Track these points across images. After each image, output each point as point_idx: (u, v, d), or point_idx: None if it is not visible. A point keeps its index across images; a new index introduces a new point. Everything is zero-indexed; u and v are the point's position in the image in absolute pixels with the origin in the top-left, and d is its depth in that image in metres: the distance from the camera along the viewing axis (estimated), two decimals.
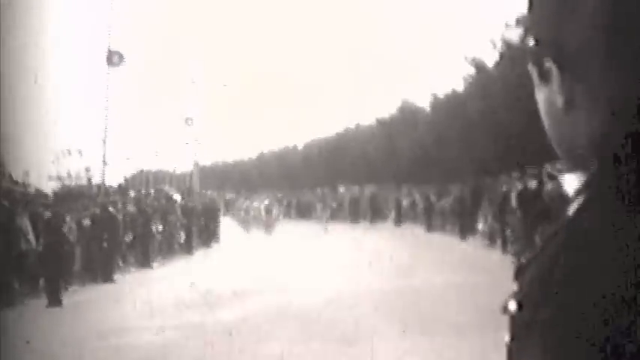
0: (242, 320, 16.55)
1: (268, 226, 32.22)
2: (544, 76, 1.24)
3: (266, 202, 33.04)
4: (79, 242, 22.47)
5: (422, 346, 13.09)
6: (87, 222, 23.12)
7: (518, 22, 29.48)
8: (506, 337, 1.21)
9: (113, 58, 30.76)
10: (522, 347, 1.15)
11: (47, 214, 20.82)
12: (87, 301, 19.88)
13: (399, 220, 34.51)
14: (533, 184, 21.93)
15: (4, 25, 25.53)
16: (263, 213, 31.55)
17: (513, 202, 23.52)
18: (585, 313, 1.05)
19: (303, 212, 40.24)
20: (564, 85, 1.21)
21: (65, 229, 22.08)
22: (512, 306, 1.17)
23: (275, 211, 34.04)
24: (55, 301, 19.49)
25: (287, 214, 40.34)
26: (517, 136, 27.17)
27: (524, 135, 25.40)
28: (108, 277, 22.70)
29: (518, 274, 1.24)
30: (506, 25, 30.94)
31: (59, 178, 31.70)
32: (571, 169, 1.25)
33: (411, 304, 17.09)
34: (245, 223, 30.82)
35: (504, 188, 25.34)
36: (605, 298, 1.05)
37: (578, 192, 1.18)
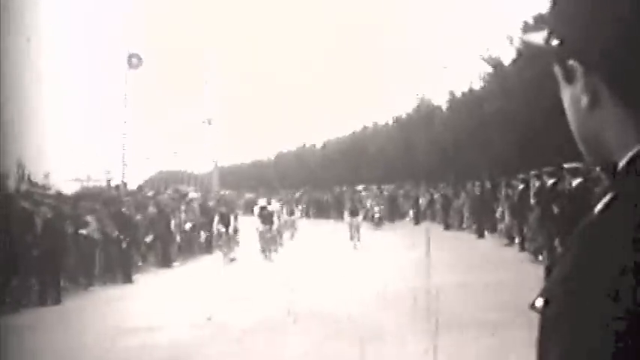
0: (265, 318, 16.65)
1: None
2: (569, 76, 1.29)
3: (279, 202, 32.73)
4: (99, 243, 22.63)
5: (442, 345, 13.13)
6: (106, 222, 23.26)
7: (537, 20, 29.46)
8: (536, 333, 1.27)
9: (132, 60, 30.96)
10: (551, 342, 1.22)
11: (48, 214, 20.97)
12: (106, 300, 20.02)
13: (417, 219, 34.52)
14: (551, 181, 21.91)
15: (16, 28, 25.76)
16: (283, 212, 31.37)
17: (531, 199, 23.49)
18: (608, 308, 1.11)
19: (322, 211, 40.29)
20: (589, 84, 1.27)
21: (87, 230, 22.30)
22: (540, 302, 1.24)
23: (295, 211, 33.89)
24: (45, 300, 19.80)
25: (306, 214, 40.38)
26: (535, 134, 27.15)
27: (541, 133, 25.39)
28: (127, 278, 22.83)
29: (548, 271, 1.32)
30: (525, 24, 30.94)
31: (78, 179, 31.93)
32: (596, 167, 1.31)
33: (431, 303, 17.10)
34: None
35: (522, 186, 25.32)
36: (629, 294, 1.10)
37: (605, 190, 1.24)
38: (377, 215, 36.04)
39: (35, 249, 19.92)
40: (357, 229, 30.53)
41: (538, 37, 1.41)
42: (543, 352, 1.24)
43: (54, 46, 29.73)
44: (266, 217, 27.83)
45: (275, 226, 28.57)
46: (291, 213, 33.75)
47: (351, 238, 30.13)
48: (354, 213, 31.42)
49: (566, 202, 17.29)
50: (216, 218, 27.77)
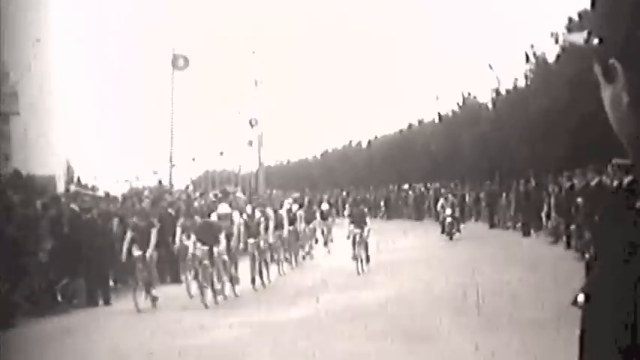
0: (310, 318, 16.74)
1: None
2: (609, 75, 1.32)
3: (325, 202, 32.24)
4: None
5: (489, 343, 13.14)
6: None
7: (581, 16, 29.26)
8: (577, 330, 1.31)
9: (178, 61, 31.16)
10: (592, 339, 1.26)
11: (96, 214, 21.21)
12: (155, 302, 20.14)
13: (462, 217, 34.42)
14: (597, 179, 21.74)
15: (64, 26, 26.06)
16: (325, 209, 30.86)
17: (578, 197, 23.35)
18: None
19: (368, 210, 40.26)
20: (630, 83, 1.28)
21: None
22: (581, 298, 1.28)
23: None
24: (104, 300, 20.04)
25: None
26: (580, 131, 27.00)
27: (587, 130, 25.24)
28: (176, 278, 22.95)
29: (588, 268, 1.35)
30: (569, 20, 30.76)
31: (127, 180, 32.23)
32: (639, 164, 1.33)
33: (477, 301, 17.10)
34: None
35: (568, 184, 25.17)
36: None
37: None
38: (448, 220, 30.87)
39: (84, 249, 20.16)
40: (363, 246, 24.10)
41: (578, 38, 1.43)
42: (584, 347, 1.29)
43: (102, 47, 30.04)
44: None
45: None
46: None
47: (354, 257, 23.95)
48: (357, 221, 24.59)
49: (612, 200, 17.18)
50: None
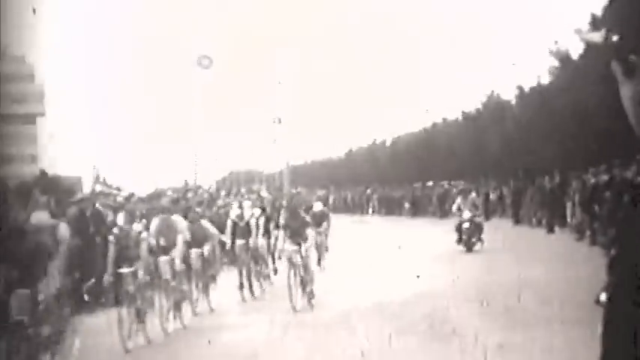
0: (336, 315, 16.83)
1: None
2: (628, 71, 1.37)
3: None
4: None
5: (514, 340, 13.21)
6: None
7: (605, 12, 29.17)
8: (599, 328, 1.34)
9: (203, 61, 31.30)
10: (614, 337, 1.28)
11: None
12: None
13: (487, 214, 34.32)
14: (622, 175, 21.71)
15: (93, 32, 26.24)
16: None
17: (602, 194, 23.32)
18: None
19: (392, 208, 40.28)
20: None
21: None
22: (604, 297, 1.33)
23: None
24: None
25: (377, 211, 40.40)
26: (605, 128, 26.93)
27: (611, 127, 25.19)
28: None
29: (611, 266, 1.37)
30: (592, 16, 30.67)
31: (152, 180, 32.38)
32: None
33: (502, 298, 17.13)
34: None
35: (593, 180, 25.14)
36: None
37: None
38: (466, 226, 26.55)
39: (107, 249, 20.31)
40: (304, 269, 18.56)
41: (596, 36, 1.48)
42: (607, 345, 1.32)
43: (128, 47, 30.21)
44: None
45: None
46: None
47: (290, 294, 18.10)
48: (294, 234, 18.80)
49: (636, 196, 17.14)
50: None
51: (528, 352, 12.58)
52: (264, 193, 31.43)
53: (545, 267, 20.85)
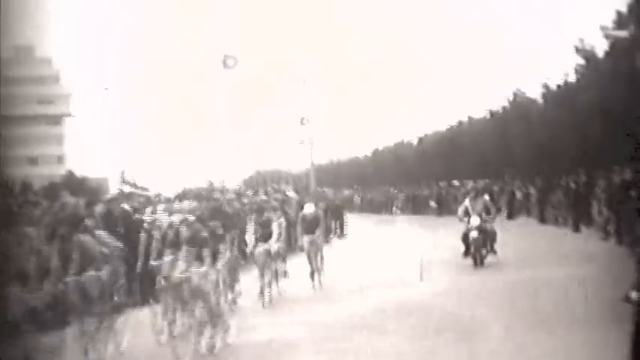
0: (358, 315, 16.89)
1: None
2: None
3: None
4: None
5: (539, 339, 13.23)
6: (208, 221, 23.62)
7: (631, 9, 29.10)
8: (630, 325, 1.45)
9: (228, 61, 31.39)
10: None
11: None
12: None
13: (512, 213, 34.20)
14: None
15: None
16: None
17: (630, 192, 23.24)
18: None
19: (418, 207, 40.25)
20: None
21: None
22: (634, 295, 1.43)
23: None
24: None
25: (403, 210, 40.39)
26: (629, 127, 26.83)
27: (636, 126, 25.10)
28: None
29: None
30: (618, 14, 30.55)
31: (179, 180, 32.50)
32: None
33: (527, 297, 17.14)
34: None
35: (619, 179, 25.03)
36: None
37: None
38: (474, 235, 23.54)
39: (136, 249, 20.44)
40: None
41: (622, 33, 1.53)
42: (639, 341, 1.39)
43: (152, 47, 30.36)
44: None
45: None
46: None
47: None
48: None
49: None
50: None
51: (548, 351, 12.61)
52: (290, 193, 31.51)
53: (570, 265, 20.80)
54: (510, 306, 16.65)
